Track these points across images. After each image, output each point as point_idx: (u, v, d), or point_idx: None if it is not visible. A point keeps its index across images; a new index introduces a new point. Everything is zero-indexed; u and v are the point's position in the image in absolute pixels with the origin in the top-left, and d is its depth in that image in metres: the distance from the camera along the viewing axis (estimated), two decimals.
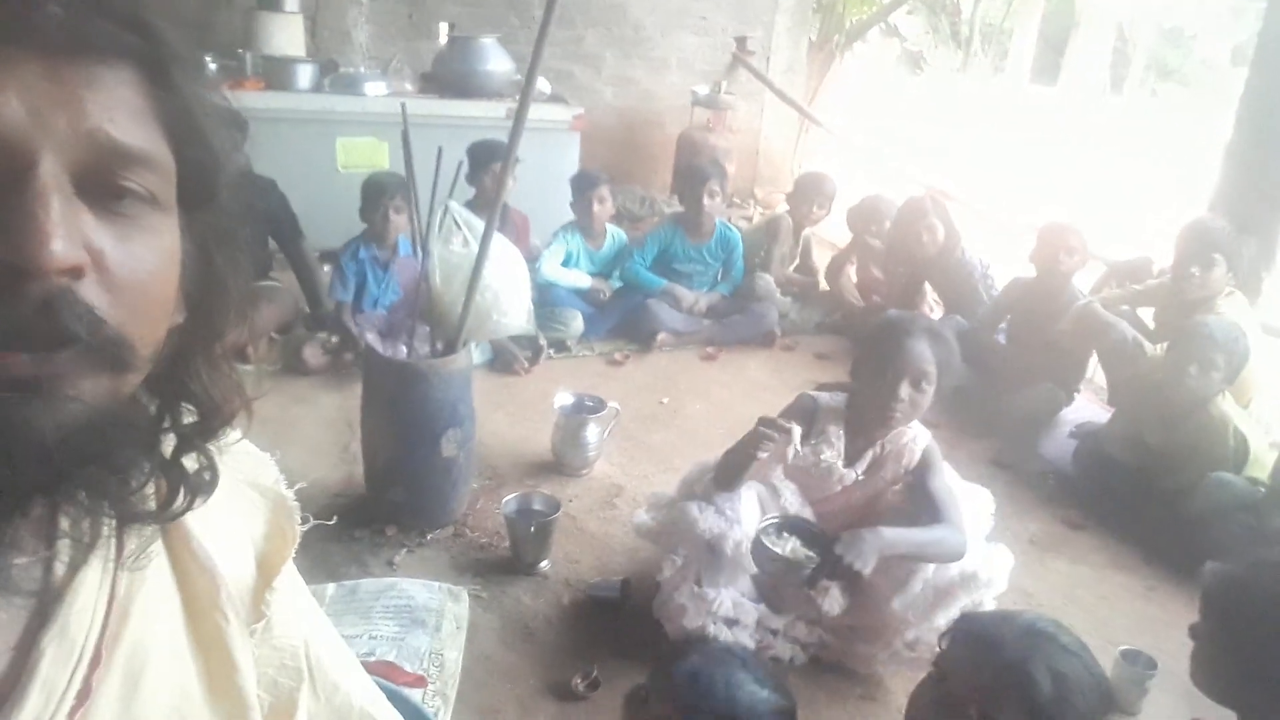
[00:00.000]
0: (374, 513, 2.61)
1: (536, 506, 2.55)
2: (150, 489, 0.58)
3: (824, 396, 2.31)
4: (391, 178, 3.62)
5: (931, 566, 2.08)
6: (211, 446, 0.63)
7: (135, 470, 0.54)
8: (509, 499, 2.53)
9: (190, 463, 0.61)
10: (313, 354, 3.55)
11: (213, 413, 0.62)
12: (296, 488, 0.79)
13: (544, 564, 2.49)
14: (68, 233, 0.46)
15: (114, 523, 0.55)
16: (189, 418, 0.61)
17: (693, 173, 4.33)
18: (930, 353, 2.08)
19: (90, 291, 0.47)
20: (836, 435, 2.25)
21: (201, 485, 0.61)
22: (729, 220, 4.65)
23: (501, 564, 2.51)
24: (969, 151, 7.79)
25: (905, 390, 2.08)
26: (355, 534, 2.54)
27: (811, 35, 6.87)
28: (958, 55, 7.59)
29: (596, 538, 2.69)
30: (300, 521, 0.77)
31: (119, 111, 0.49)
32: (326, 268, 4.18)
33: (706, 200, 4.19)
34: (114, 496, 0.53)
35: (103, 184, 0.48)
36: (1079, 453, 3.25)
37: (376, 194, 3.61)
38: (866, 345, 2.24)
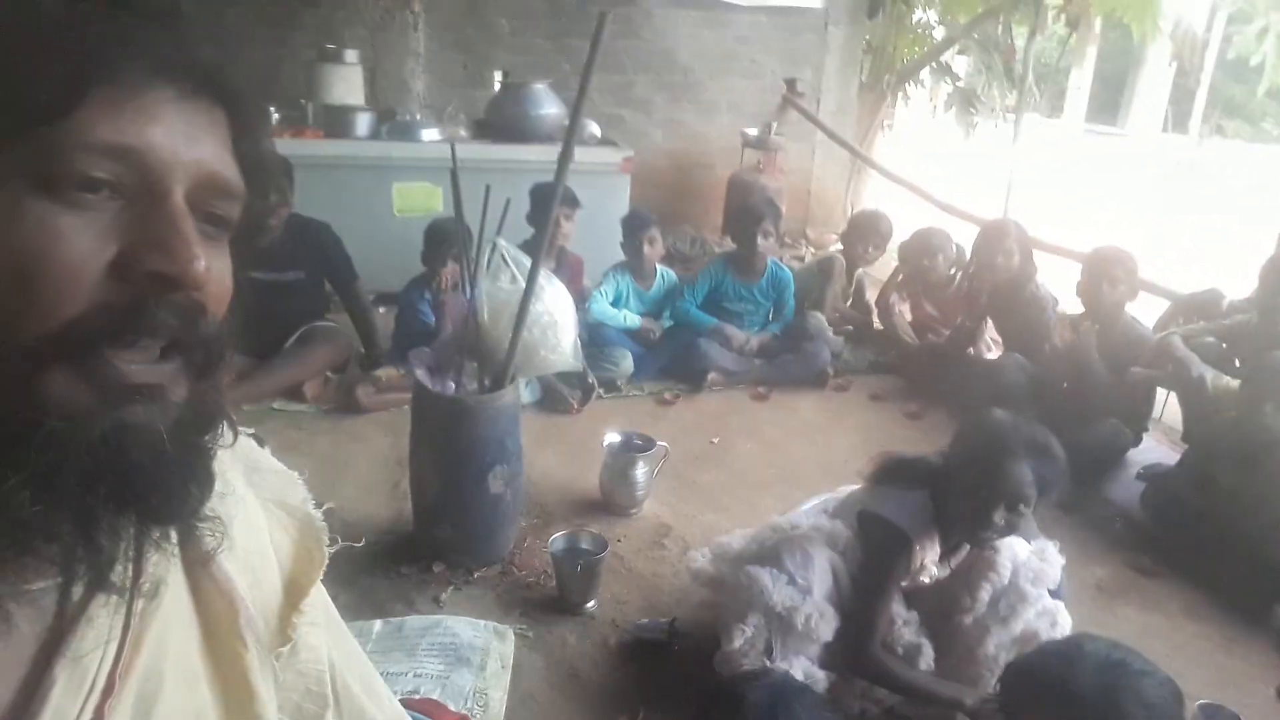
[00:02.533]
0: (421, 550, 2.60)
1: (584, 545, 2.52)
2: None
3: (909, 521, 2.05)
4: (456, 226, 3.69)
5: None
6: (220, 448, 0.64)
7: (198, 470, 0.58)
8: (556, 537, 2.50)
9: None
10: (366, 393, 3.59)
11: (215, 411, 0.63)
12: (325, 508, 0.78)
13: (591, 604, 2.45)
14: (202, 252, 0.52)
15: (132, 547, 0.56)
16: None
17: (746, 212, 4.32)
18: (1031, 474, 1.93)
19: (206, 302, 0.55)
20: (932, 549, 2.08)
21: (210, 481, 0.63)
22: (781, 260, 4.63)
23: (548, 603, 2.47)
24: (1029, 190, 7.69)
25: (1000, 515, 1.94)
26: (402, 570, 2.53)
27: (862, 76, 6.87)
28: (1011, 94, 7.51)
29: (644, 578, 2.64)
30: (329, 543, 0.76)
31: (223, 149, 0.56)
32: (382, 309, 4.26)
33: (760, 240, 4.17)
34: (179, 499, 0.56)
35: (202, 211, 0.55)
36: (1148, 495, 3.12)
37: (440, 241, 3.67)
38: (964, 453, 2.05)
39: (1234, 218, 8.25)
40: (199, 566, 0.64)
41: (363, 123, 4.58)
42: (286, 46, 5.09)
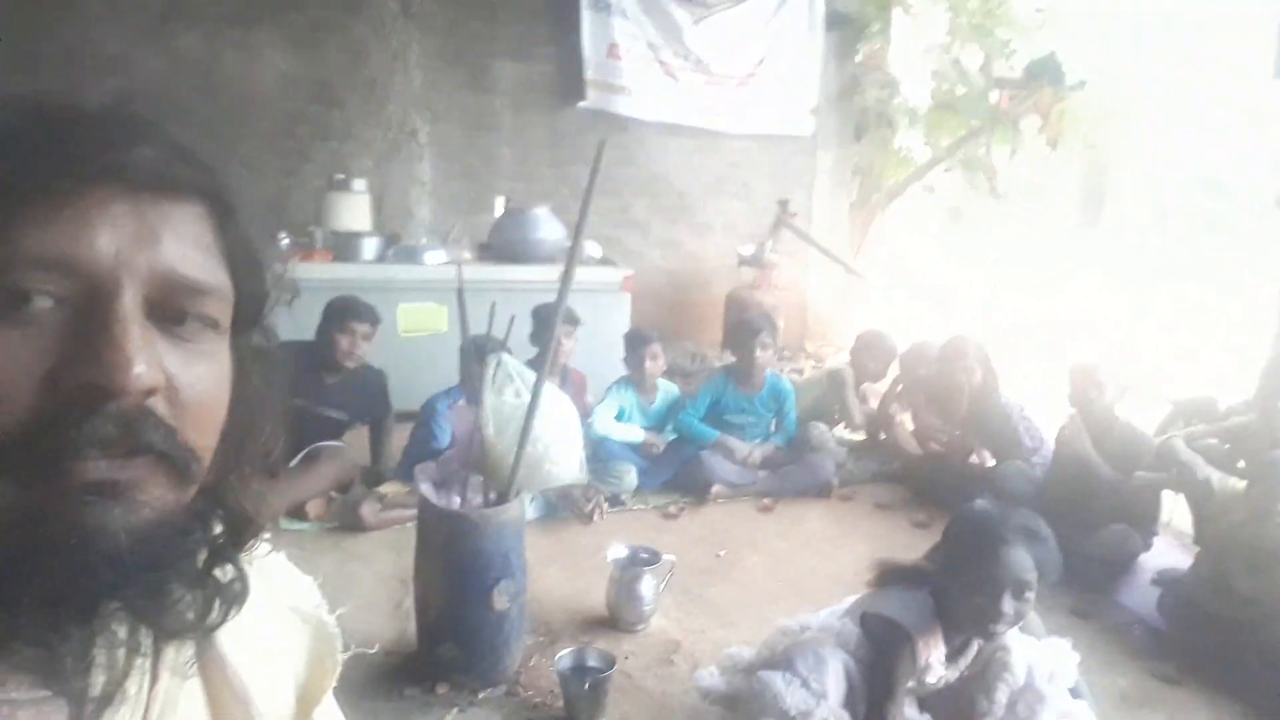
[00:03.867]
0: (425, 670, 2.53)
1: (591, 663, 2.47)
2: (186, 601, 0.58)
3: (910, 618, 2.04)
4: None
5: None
6: (243, 559, 0.63)
7: (182, 581, 0.56)
8: (563, 654, 2.45)
9: (222, 574, 0.61)
10: (371, 510, 3.57)
11: (244, 524, 0.63)
12: (337, 614, 0.77)
13: None
14: (147, 357, 0.49)
15: (152, 639, 0.56)
16: (220, 530, 0.62)
17: (744, 326, 4.41)
18: (1030, 559, 1.95)
19: (161, 408, 0.51)
20: (937, 647, 2.05)
21: (234, 596, 0.61)
22: (780, 373, 4.68)
23: None
24: (1014, 296, 7.85)
25: (1009, 604, 1.93)
26: (405, 692, 2.47)
27: (851, 197, 7.11)
28: (997, 210, 7.79)
29: (654, 696, 2.57)
30: (342, 649, 0.75)
31: (190, 247, 0.53)
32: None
33: (759, 352, 4.24)
34: (165, 607, 0.54)
35: (170, 309, 0.52)
36: (1164, 601, 3.06)
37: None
38: (958, 550, 2.06)
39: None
40: (214, 670, 0.63)
41: (369, 247, 4.72)
42: (296, 177, 5.30)
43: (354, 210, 5.04)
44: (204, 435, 0.55)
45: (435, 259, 4.76)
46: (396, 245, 4.86)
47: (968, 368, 4.05)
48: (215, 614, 0.59)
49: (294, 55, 5.18)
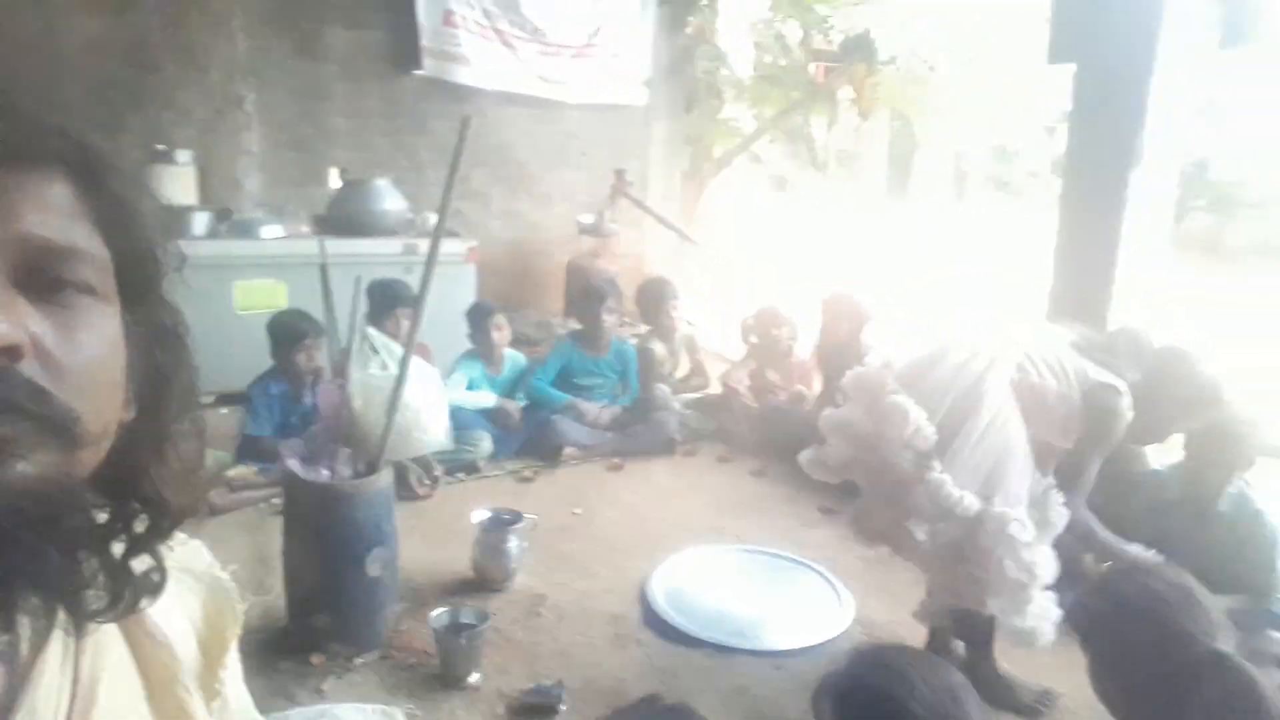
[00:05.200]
0: (298, 643, 2.58)
1: (464, 620, 2.59)
2: (98, 587, 0.58)
3: None
4: (304, 318, 3.71)
5: None
6: (163, 545, 0.63)
7: (81, 562, 0.55)
8: (438, 613, 2.56)
9: (139, 563, 0.62)
10: (219, 495, 3.51)
11: (163, 512, 0.63)
12: (230, 569, 0.80)
13: (475, 677, 2.51)
14: (5, 316, 0.49)
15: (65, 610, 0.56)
16: (139, 520, 0.62)
17: (590, 292, 4.58)
18: None
19: (31, 370, 0.50)
20: None
21: (149, 586, 0.62)
22: (623, 338, 4.89)
23: (433, 681, 2.51)
24: (835, 261, 8.42)
25: None
26: (279, 666, 2.51)
27: (683, 166, 7.39)
28: (817, 178, 8.31)
29: (524, 646, 2.73)
30: (240, 600, 0.79)
31: (50, 214, 0.53)
32: (224, 409, 4.17)
33: (605, 317, 4.43)
34: (61, 586, 0.54)
35: (42, 277, 0.52)
36: None
37: (293, 336, 3.69)
38: None
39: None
40: (133, 624, 0.66)
41: (199, 222, 4.54)
42: (112, 147, 4.96)
43: (179, 183, 4.80)
44: (88, 400, 0.53)
45: (273, 233, 4.64)
46: (229, 219, 4.69)
47: (847, 316, 4.28)
48: (127, 602, 0.60)
49: (104, 16, 4.84)
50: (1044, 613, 2.24)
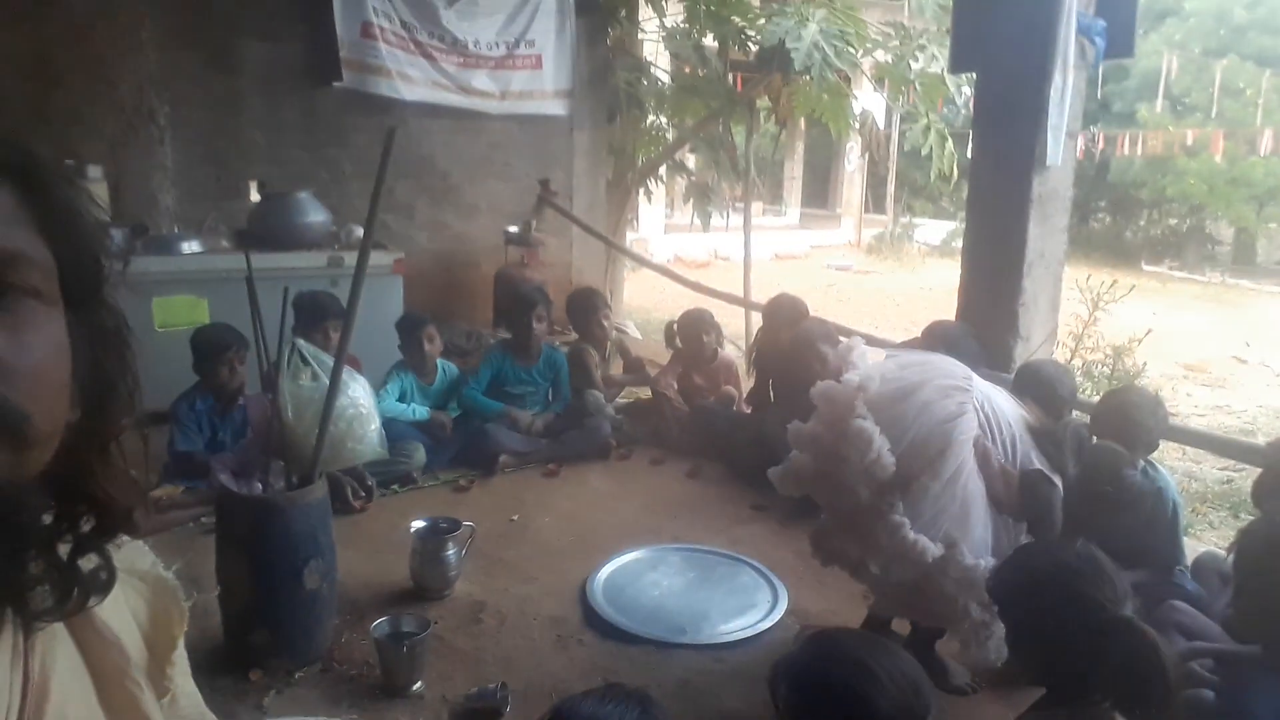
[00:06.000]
0: (234, 660, 2.54)
1: (406, 629, 2.59)
2: (45, 586, 0.59)
3: None
4: (228, 332, 3.65)
5: None
6: (108, 546, 0.64)
7: (28, 562, 0.56)
8: (379, 623, 2.56)
9: (87, 562, 0.63)
10: (142, 516, 3.41)
11: (109, 512, 0.64)
12: (174, 568, 0.82)
13: (417, 685, 2.52)
14: None
15: (12, 615, 0.58)
16: (86, 520, 0.63)
17: (520, 300, 4.60)
18: None
19: None
20: None
21: (97, 585, 0.63)
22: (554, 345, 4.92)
23: (375, 691, 2.50)
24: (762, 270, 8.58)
25: None
26: (216, 684, 2.46)
27: (608, 175, 7.46)
28: (738, 186, 8.46)
29: (466, 653, 2.74)
30: (185, 599, 0.81)
31: (2, 223, 0.54)
32: (146, 430, 4.06)
33: (535, 325, 4.46)
34: (7, 587, 0.56)
35: None
36: None
37: (217, 349, 3.63)
38: None
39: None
40: (80, 622, 0.66)
41: (114, 239, 4.40)
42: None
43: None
44: (36, 402, 0.55)
45: (192, 249, 4.54)
46: (145, 236, 4.57)
47: (791, 320, 4.33)
48: (75, 601, 0.61)
49: (2, 28, 4.67)
50: (1003, 644, 2.23)
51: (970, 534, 2.33)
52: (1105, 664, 1.60)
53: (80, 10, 4.89)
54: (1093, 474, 2.56)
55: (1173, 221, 16.24)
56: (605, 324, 5.01)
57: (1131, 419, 2.93)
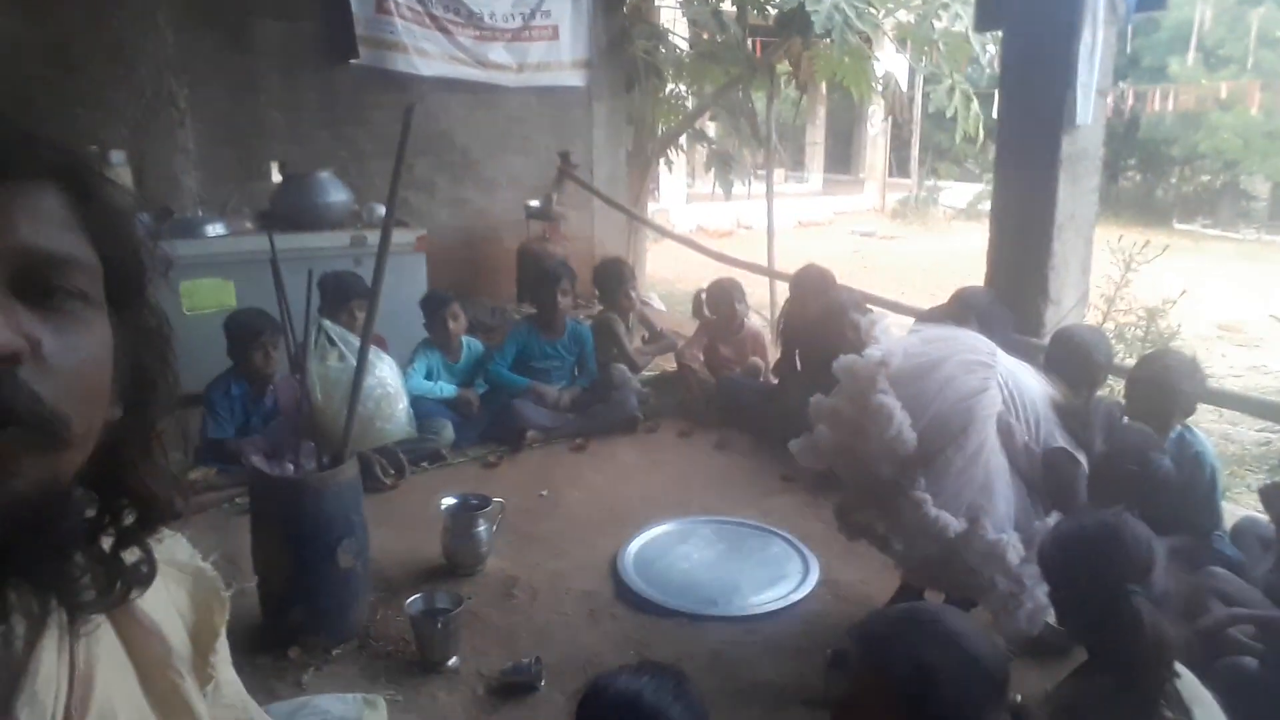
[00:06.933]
0: (273, 638, 2.58)
1: (440, 605, 2.61)
2: (89, 579, 0.61)
3: None
4: (260, 316, 3.67)
5: None
6: (150, 540, 0.65)
7: (72, 557, 0.58)
8: (413, 600, 2.58)
9: (129, 555, 0.64)
10: (179, 502, 3.47)
11: (150, 506, 0.65)
12: (212, 559, 0.83)
13: (453, 660, 2.54)
14: (5, 323, 0.51)
15: (58, 604, 0.59)
16: (128, 514, 0.64)
17: (544, 274, 4.59)
18: None
19: (28, 375, 0.52)
20: None
21: (139, 577, 0.64)
22: (578, 320, 4.91)
23: (411, 667, 2.54)
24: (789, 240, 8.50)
25: None
26: (257, 661, 2.51)
27: (628, 145, 7.39)
28: (759, 153, 8.37)
29: (500, 628, 2.76)
30: (224, 588, 0.82)
31: (44, 223, 0.56)
32: (180, 410, 4.11)
33: (560, 299, 4.45)
34: (53, 581, 0.57)
35: (36, 284, 0.54)
36: None
37: (250, 334, 3.65)
38: None
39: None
40: (122, 613, 0.68)
41: (141, 219, 4.43)
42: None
43: None
44: (78, 403, 0.56)
45: (216, 231, 4.56)
46: (170, 219, 4.59)
47: (819, 290, 4.27)
48: (118, 593, 0.63)
49: (22, 16, 4.67)
50: (1036, 611, 2.26)
51: (993, 509, 2.30)
52: (1109, 637, 1.64)
53: None
54: (1120, 454, 2.52)
55: (1205, 178, 15.88)
56: (632, 294, 4.99)
57: (1168, 384, 2.87)
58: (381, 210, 5.12)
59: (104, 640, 0.66)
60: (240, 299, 4.31)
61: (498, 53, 6.11)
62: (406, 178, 5.98)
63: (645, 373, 5.05)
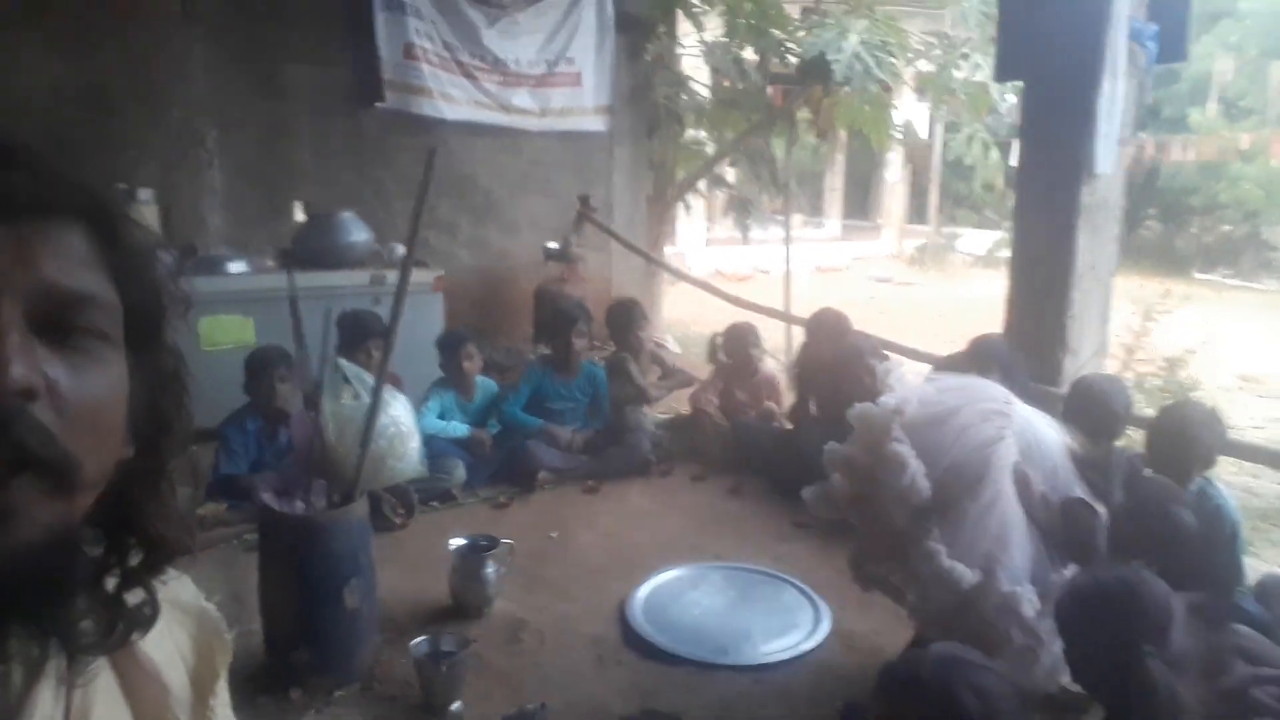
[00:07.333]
0: (276, 678, 2.55)
1: (445, 648, 2.58)
2: (90, 622, 0.60)
3: None
4: (274, 350, 3.71)
5: None
6: (154, 581, 0.64)
7: (75, 601, 0.57)
8: (418, 641, 2.56)
9: (132, 597, 0.63)
10: (187, 538, 3.47)
11: (158, 547, 0.64)
12: (215, 600, 0.81)
13: (456, 705, 2.50)
14: (23, 360, 0.51)
15: (57, 646, 0.58)
16: (134, 554, 0.63)
17: (561, 316, 4.61)
18: None
19: (43, 413, 0.52)
20: None
21: (141, 619, 0.64)
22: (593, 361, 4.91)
23: (414, 712, 2.50)
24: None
25: None
26: (258, 702, 2.48)
27: (648, 189, 7.46)
28: (778, 199, 8.42)
29: (506, 673, 2.72)
30: (227, 631, 0.81)
31: (68, 261, 0.55)
32: (193, 446, 4.13)
33: (576, 340, 4.46)
34: (55, 625, 0.56)
35: (56, 322, 0.54)
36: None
37: (263, 365, 3.69)
38: None
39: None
40: (123, 656, 0.67)
41: (163, 260, 4.51)
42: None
43: (142, 220, 4.77)
44: (91, 442, 0.56)
45: (238, 269, 4.63)
46: (194, 257, 4.67)
47: (835, 335, 4.28)
48: (119, 634, 0.62)
49: (63, 61, 4.81)
50: (1053, 669, 2.21)
51: (1009, 560, 2.26)
52: (1121, 698, 1.62)
53: (138, 42, 5.03)
54: (1140, 507, 2.47)
55: (1226, 228, 15.80)
56: (642, 335, 5.00)
57: (1188, 435, 2.83)
58: (403, 250, 5.20)
59: (101, 682, 0.65)
60: (260, 336, 4.36)
61: (522, 98, 6.21)
62: (429, 218, 6.07)
63: (659, 415, 5.04)
